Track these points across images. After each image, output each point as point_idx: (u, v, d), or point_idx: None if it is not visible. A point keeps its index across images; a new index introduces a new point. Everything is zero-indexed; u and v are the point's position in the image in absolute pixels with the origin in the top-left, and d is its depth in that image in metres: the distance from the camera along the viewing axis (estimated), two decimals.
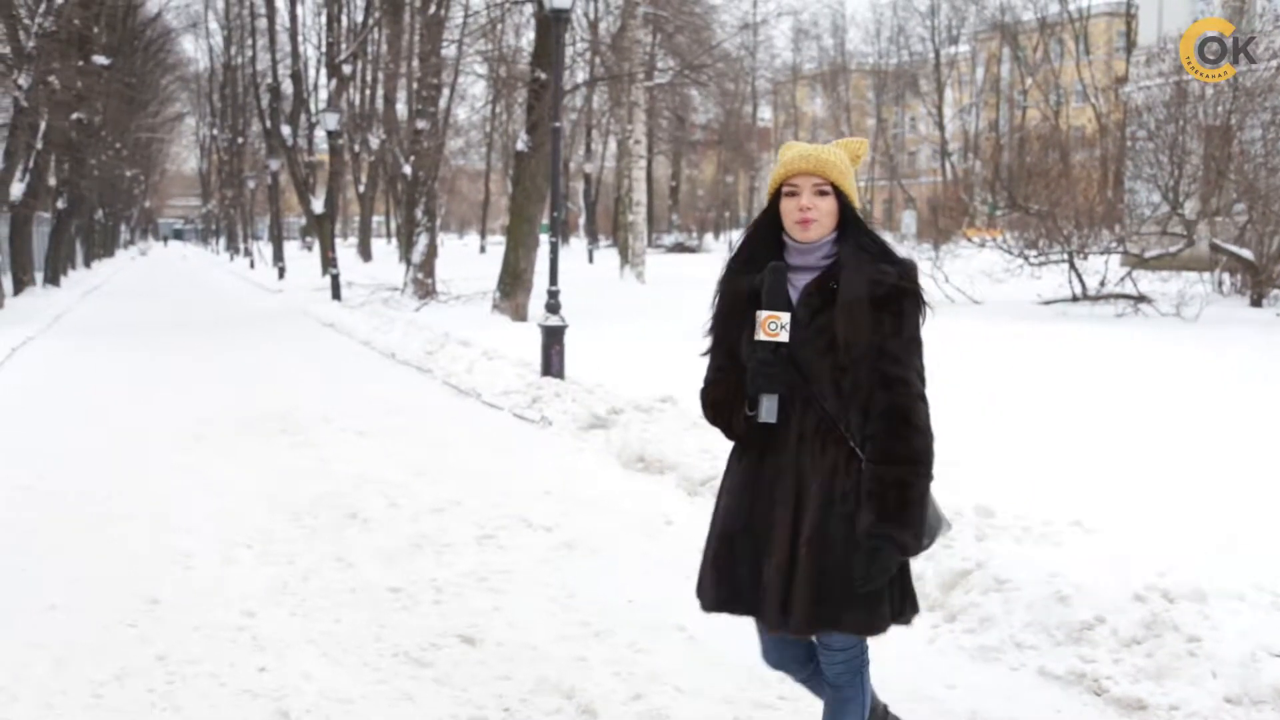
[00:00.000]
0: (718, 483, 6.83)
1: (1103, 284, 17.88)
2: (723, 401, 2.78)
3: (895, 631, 4.52)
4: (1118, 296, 17.38)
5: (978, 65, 63.02)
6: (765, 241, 2.80)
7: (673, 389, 9.67)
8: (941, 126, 63.20)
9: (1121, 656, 4.02)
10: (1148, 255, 18.46)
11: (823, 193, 2.70)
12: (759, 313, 2.65)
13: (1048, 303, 17.96)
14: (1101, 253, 18.51)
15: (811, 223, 2.70)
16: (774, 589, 2.70)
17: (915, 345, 2.73)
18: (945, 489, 6.13)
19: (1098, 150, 23.04)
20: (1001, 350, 12.32)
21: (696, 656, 4.33)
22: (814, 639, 2.91)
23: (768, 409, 2.66)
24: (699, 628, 4.61)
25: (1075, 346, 12.88)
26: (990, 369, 10.77)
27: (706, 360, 2.87)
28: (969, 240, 21.01)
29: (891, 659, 4.24)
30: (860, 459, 2.67)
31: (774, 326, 2.62)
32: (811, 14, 73.64)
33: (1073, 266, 18.13)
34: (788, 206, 2.72)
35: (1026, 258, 18.90)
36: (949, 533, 2.90)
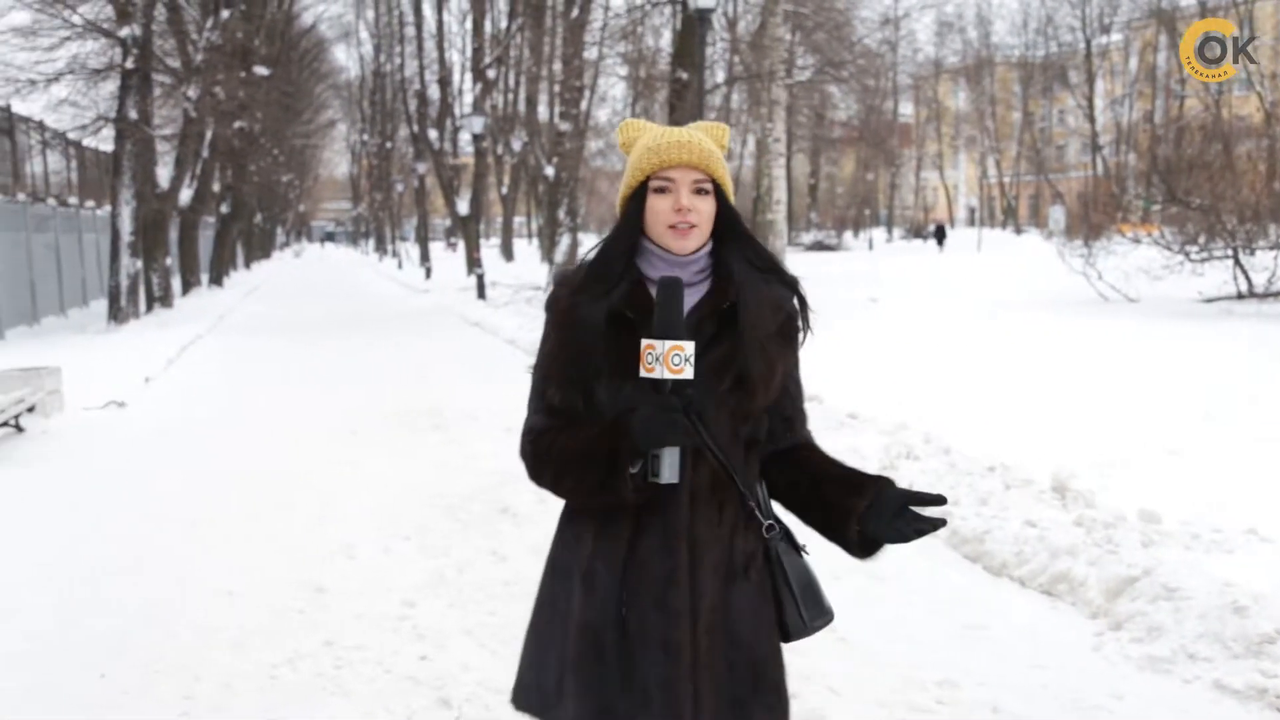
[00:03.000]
0: None
1: (1271, 280, 17.03)
2: (578, 458, 2.05)
3: (1057, 638, 4.44)
4: None
5: (1131, 54, 60.65)
6: (622, 253, 2.15)
7: (819, 388, 9.60)
8: (1092, 119, 61.03)
9: None
10: None
11: (703, 191, 2.10)
12: (653, 343, 1.97)
13: (1210, 300, 17.20)
14: (1270, 248, 17.61)
15: (691, 229, 2.09)
16: (676, 694, 2.04)
17: (800, 377, 2.26)
18: (1110, 491, 5.97)
19: (1264, 140, 21.91)
20: (1164, 349, 11.84)
21: (848, 657, 4.29)
22: None
23: (670, 466, 2.00)
24: (849, 628, 4.57)
25: (1243, 346, 12.29)
26: (1152, 369, 10.37)
27: (532, 406, 2.20)
28: (1123, 236, 20.24)
29: (1054, 666, 4.16)
30: (758, 521, 2.15)
31: (677, 360, 1.97)
32: (955, 6, 72.17)
33: (1238, 262, 17.31)
34: (658, 207, 2.09)
35: (1187, 254, 18.13)
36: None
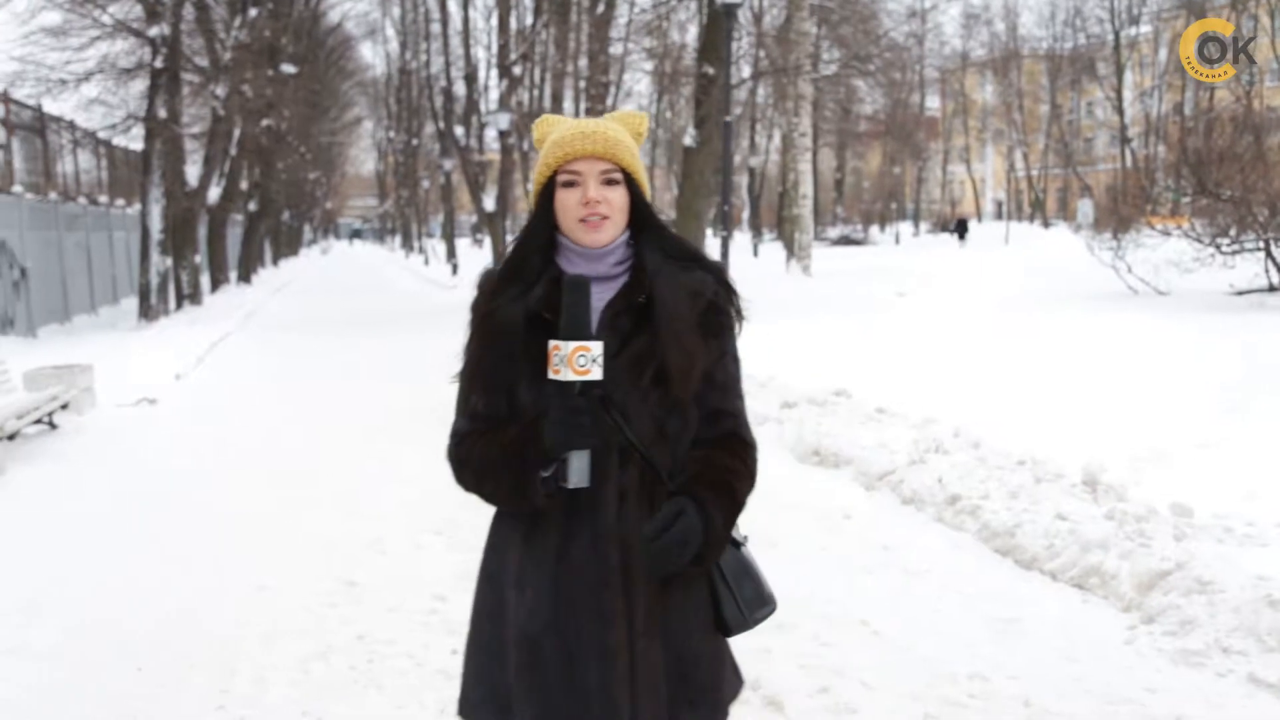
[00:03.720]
0: (897, 477, 6.83)
1: None
2: (495, 463, 2.03)
3: (1089, 631, 4.42)
4: None
5: (1161, 46, 60.08)
6: (538, 250, 2.11)
7: (847, 382, 9.59)
8: (1121, 111, 60.49)
9: None
10: None
11: (612, 182, 2.05)
12: (558, 344, 1.92)
13: (1241, 293, 17.02)
14: None
15: (603, 221, 2.04)
16: (614, 700, 2.00)
17: (738, 368, 2.17)
18: (1141, 484, 5.93)
19: None
20: (1194, 342, 11.73)
21: (881, 651, 4.29)
22: None
23: (579, 470, 1.97)
24: (882, 622, 4.58)
25: (1274, 339, 12.15)
26: (1182, 362, 10.27)
27: (457, 409, 2.18)
28: (1152, 228, 20.05)
29: (1087, 659, 4.14)
30: None
31: (582, 361, 1.92)
32: None
33: (1269, 255, 17.12)
34: (567, 201, 2.05)
35: (1218, 246, 17.94)
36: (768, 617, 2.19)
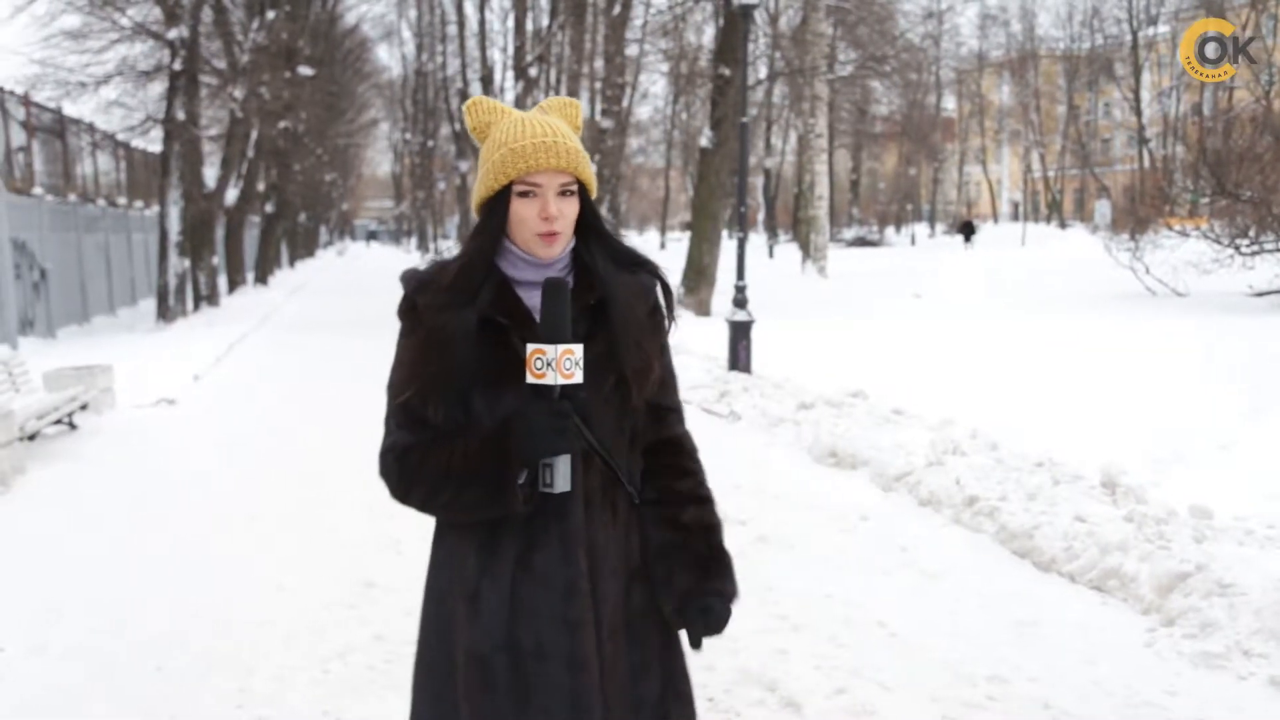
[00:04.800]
0: (914, 478, 6.82)
1: None
2: (457, 472, 1.95)
3: (1109, 634, 4.41)
4: None
5: (1179, 46, 59.79)
6: (486, 256, 2.04)
7: (864, 383, 9.58)
8: (1139, 111, 60.19)
9: None
10: None
11: (568, 193, 2.00)
12: (542, 348, 1.89)
13: (1261, 294, 16.93)
14: None
15: (558, 236, 1.99)
16: (587, 708, 1.96)
17: (671, 364, 2.18)
18: (1160, 486, 5.90)
19: None
20: (1213, 343, 11.67)
21: (898, 652, 4.28)
22: None
23: (564, 475, 1.93)
24: (899, 624, 4.57)
25: None
26: (1201, 363, 10.22)
27: (392, 421, 2.09)
28: (1170, 229, 19.95)
29: (1106, 661, 4.13)
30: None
31: (568, 364, 1.89)
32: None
33: None
34: (525, 214, 1.98)
35: (1237, 247, 17.84)
36: None
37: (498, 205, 2.00)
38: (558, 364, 1.88)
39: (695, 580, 2.07)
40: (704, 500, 2.15)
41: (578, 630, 1.96)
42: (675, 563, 2.08)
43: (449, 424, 1.99)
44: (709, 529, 2.13)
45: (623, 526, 2.06)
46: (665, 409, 2.14)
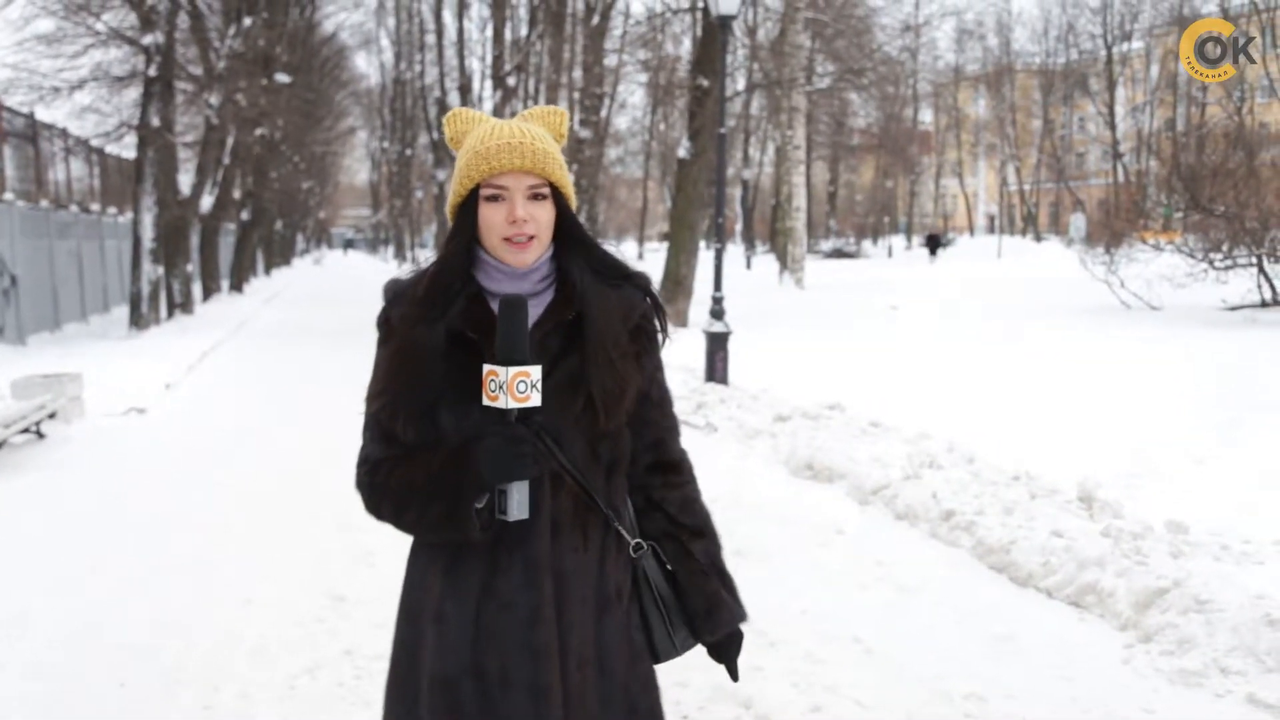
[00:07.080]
0: (891, 491, 6.79)
1: None
2: (422, 491, 1.88)
3: (1087, 650, 4.38)
4: None
5: (1153, 62, 60.33)
6: (460, 266, 1.95)
7: (840, 395, 9.56)
8: (1113, 126, 60.70)
9: None
10: None
11: (539, 197, 1.91)
12: (495, 369, 1.80)
13: (1234, 308, 17.05)
14: None
15: (531, 241, 1.90)
16: None
17: (665, 382, 2.11)
18: (1136, 501, 5.90)
19: None
20: (1188, 357, 11.73)
21: (875, 669, 4.24)
22: None
23: (519, 503, 1.85)
24: (876, 640, 4.54)
25: (1267, 354, 12.16)
26: (1176, 377, 10.26)
27: (368, 434, 2.02)
28: (1145, 243, 20.08)
29: (1083, 678, 4.10)
30: (627, 543, 2.02)
31: (522, 387, 1.79)
32: (976, 14, 72.01)
33: (1262, 270, 17.16)
34: (492, 218, 1.90)
35: (1211, 261, 17.98)
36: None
37: (467, 211, 1.92)
38: (509, 387, 1.79)
39: (724, 620, 2.07)
40: (707, 531, 2.12)
41: (541, 658, 1.88)
42: (697, 599, 2.06)
43: (420, 439, 1.92)
44: (716, 557, 2.11)
45: (595, 553, 1.96)
46: (666, 431, 2.07)
